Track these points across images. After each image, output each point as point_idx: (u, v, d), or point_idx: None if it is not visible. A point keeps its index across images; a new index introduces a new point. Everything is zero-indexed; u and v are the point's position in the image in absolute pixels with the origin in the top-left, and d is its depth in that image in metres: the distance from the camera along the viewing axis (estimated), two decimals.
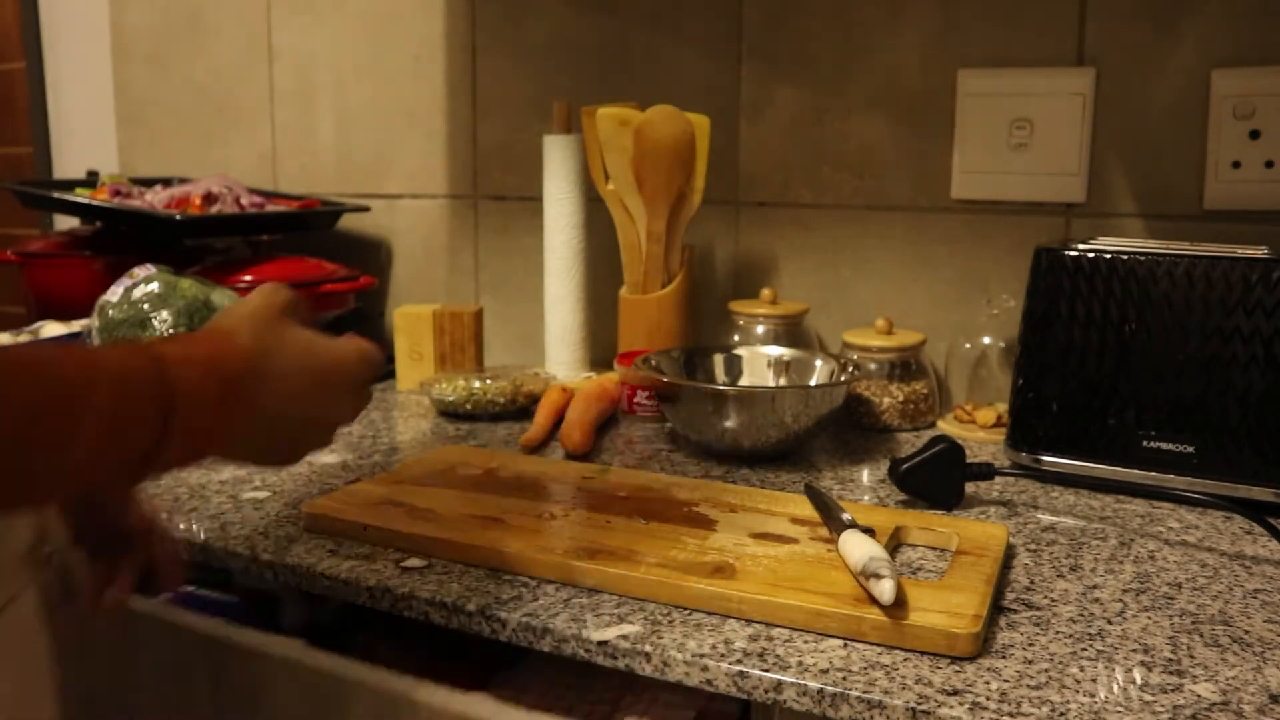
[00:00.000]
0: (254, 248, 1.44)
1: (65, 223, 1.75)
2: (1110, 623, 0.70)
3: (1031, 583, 0.76)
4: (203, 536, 0.82)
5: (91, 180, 1.55)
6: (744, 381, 1.16)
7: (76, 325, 1.23)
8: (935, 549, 0.82)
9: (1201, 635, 0.68)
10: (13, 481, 0.44)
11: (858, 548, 0.71)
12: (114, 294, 1.10)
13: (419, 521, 0.82)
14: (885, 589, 0.66)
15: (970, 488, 0.94)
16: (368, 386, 0.62)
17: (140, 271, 1.12)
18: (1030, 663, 0.64)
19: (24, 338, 1.22)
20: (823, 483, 0.98)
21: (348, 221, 1.56)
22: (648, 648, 0.66)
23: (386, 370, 1.06)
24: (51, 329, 1.24)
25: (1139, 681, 0.62)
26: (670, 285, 1.23)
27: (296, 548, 0.81)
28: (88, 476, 0.47)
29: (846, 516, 0.78)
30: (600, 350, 1.36)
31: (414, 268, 1.56)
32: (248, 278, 1.34)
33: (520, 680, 0.77)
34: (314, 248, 1.48)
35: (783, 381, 1.15)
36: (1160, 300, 0.93)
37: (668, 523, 0.83)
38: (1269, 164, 1.08)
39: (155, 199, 1.41)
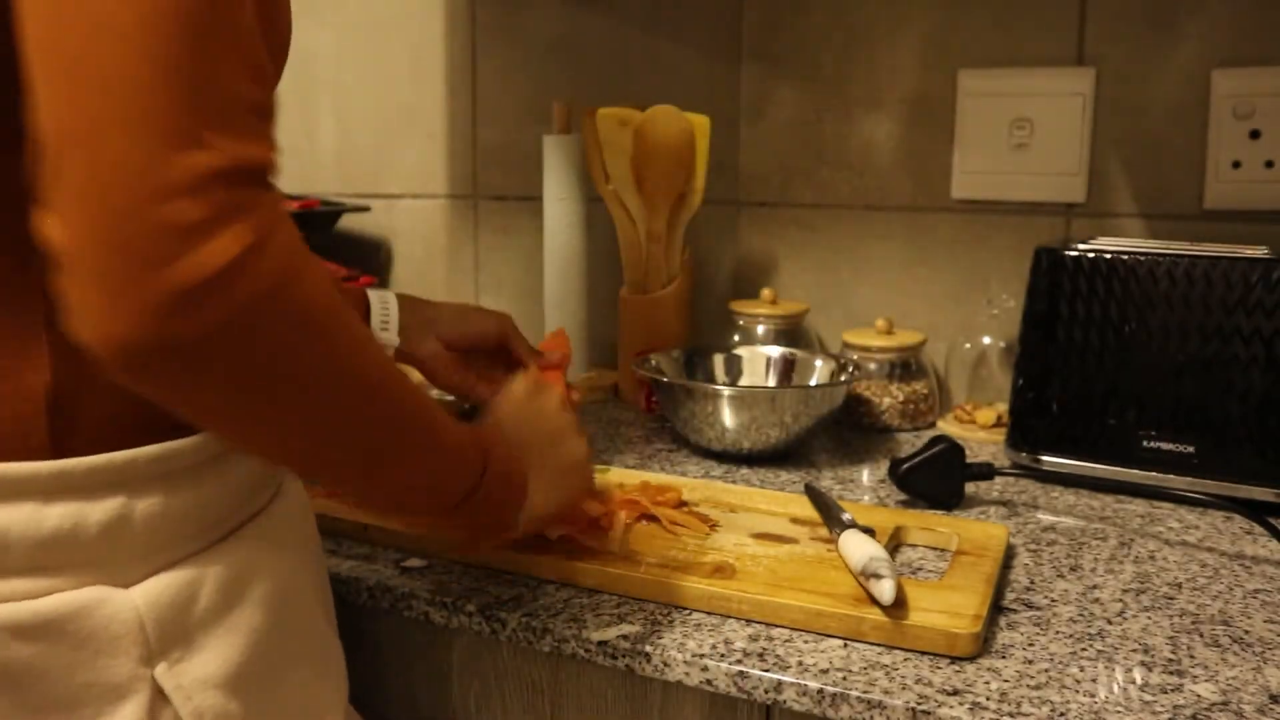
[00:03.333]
0: None
1: None
2: (1110, 623, 0.70)
3: (1031, 583, 0.76)
4: None
5: None
6: (744, 381, 1.16)
7: None
8: (935, 549, 0.82)
9: (1201, 635, 0.68)
10: (378, 467, 0.55)
11: (858, 548, 0.71)
12: None
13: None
14: (885, 589, 0.66)
15: (970, 488, 0.94)
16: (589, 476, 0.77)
17: None
18: (1030, 663, 0.64)
19: None
20: (823, 483, 0.98)
21: (348, 221, 1.56)
22: (648, 648, 0.66)
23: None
24: None
25: (1139, 681, 0.62)
26: (670, 285, 1.23)
27: None
28: (419, 495, 0.60)
29: (846, 516, 0.78)
30: (600, 350, 1.36)
31: (414, 268, 1.56)
32: None
33: None
34: (314, 248, 1.47)
35: (783, 381, 1.15)
36: (1160, 300, 0.93)
37: (668, 523, 0.82)
38: (1269, 164, 1.08)
39: None
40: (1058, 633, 0.68)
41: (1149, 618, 0.71)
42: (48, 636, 0.50)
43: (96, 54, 0.41)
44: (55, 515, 0.50)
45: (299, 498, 0.65)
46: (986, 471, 0.92)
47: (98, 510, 0.51)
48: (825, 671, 0.63)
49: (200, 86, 0.43)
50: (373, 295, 0.89)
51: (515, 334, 0.92)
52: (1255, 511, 0.84)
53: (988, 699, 0.60)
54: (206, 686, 0.53)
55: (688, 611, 0.71)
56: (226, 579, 0.55)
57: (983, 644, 0.66)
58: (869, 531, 0.75)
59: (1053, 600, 0.73)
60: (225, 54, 0.44)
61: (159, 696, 0.52)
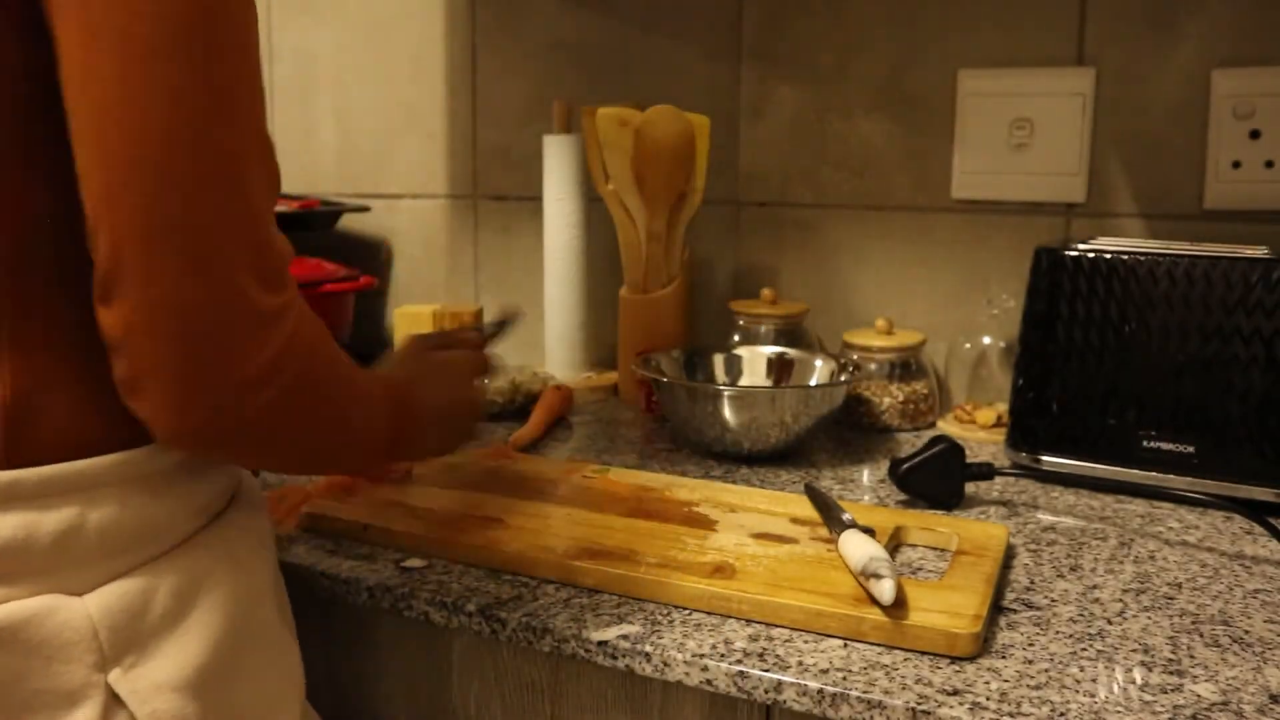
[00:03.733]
0: None
1: None
2: (1110, 623, 0.70)
3: (1031, 583, 0.76)
4: None
5: None
6: (744, 381, 1.16)
7: None
8: (935, 549, 0.82)
9: (1201, 635, 0.68)
10: (328, 453, 0.65)
11: (857, 548, 0.71)
12: None
13: (419, 521, 0.82)
14: (885, 589, 0.66)
15: (970, 488, 0.94)
16: (479, 381, 0.84)
17: None
18: (1030, 663, 0.64)
19: None
20: (823, 483, 0.98)
21: (348, 221, 1.56)
22: (648, 648, 0.66)
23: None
24: None
25: (1139, 681, 0.62)
26: (670, 285, 1.23)
27: (296, 547, 0.81)
28: (357, 457, 0.69)
29: (847, 517, 0.78)
30: (600, 350, 1.36)
31: (414, 268, 1.56)
32: None
33: None
34: (314, 248, 1.48)
35: (783, 381, 1.15)
36: (1160, 300, 0.93)
37: (668, 523, 0.83)
38: (1269, 164, 1.08)
39: None
40: (1058, 633, 0.68)
41: (1149, 618, 0.71)
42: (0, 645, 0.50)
43: (178, 179, 0.49)
44: (8, 525, 0.51)
45: (255, 502, 0.67)
46: (986, 471, 0.92)
47: (51, 520, 0.52)
48: (825, 671, 0.63)
49: (266, 243, 0.54)
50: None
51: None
52: (1255, 511, 0.84)
53: (988, 699, 0.60)
54: (162, 690, 0.54)
55: (688, 611, 0.71)
56: (181, 585, 0.56)
57: (983, 644, 0.66)
58: (868, 531, 0.75)
59: (1053, 600, 0.73)
60: (270, 215, 0.55)
61: (113, 702, 0.53)
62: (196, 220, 0.49)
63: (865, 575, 0.68)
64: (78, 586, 0.53)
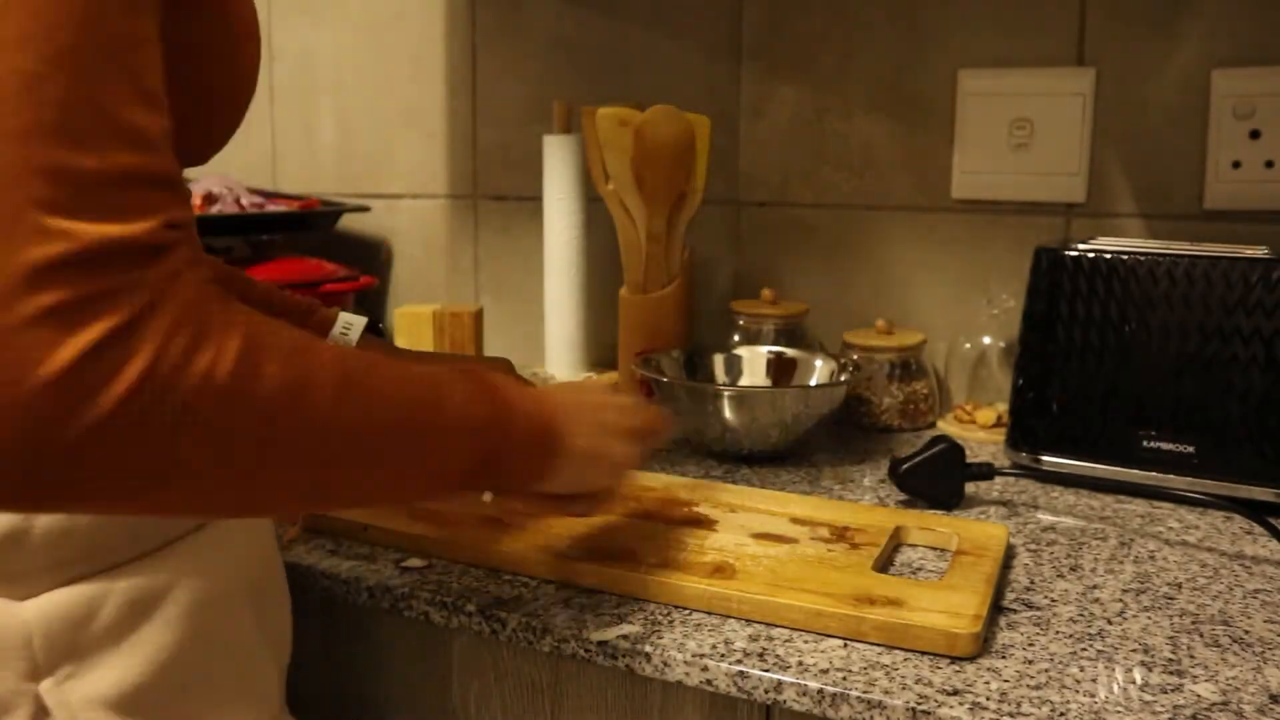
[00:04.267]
0: (254, 247, 1.44)
1: None
2: (1110, 623, 0.70)
3: (1031, 583, 0.76)
4: None
5: None
6: (744, 381, 1.16)
7: None
8: (935, 549, 0.82)
9: (1201, 635, 0.68)
10: (382, 475, 0.51)
11: None
12: None
13: (419, 521, 0.82)
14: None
15: (970, 488, 0.94)
16: (644, 440, 0.71)
17: None
18: (1030, 663, 0.64)
19: None
20: (822, 482, 0.98)
21: (348, 221, 1.56)
22: (648, 648, 0.66)
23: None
24: None
25: (1139, 681, 0.62)
26: (670, 285, 1.23)
27: (297, 548, 0.81)
28: (427, 489, 0.56)
29: None
30: (600, 350, 1.36)
31: (414, 268, 1.56)
32: None
33: None
34: (314, 248, 1.48)
35: (783, 382, 1.15)
36: (1160, 300, 0.93)
37: (668, 523, 0.83)
38: (1269, 164, 1.08)
39: None
40: (1058, 633, 0.68)
41: (1149, 618, 0.71)
42: None
43: None
44: None
45: (244, 521, 0.62)
46: (986, 471, 0.92)
47: None
48: (825, 671, 0.63)
49: (49, 166, 0.38)
50: (341, 316, 0.84)
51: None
52: (1255, 511, 0.84)
53: (988, 699, 0.60)
54: (95, 706, 0.52)
55: (688, 611, 0.71)
56: (134, 597, 0.53)
57: (983, 644, 0.66)
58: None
59: (1053, 600, 0.73)
60: (90, 126, 0.40)
61: (42, 713, 0.51)
62: None
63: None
64: (21, 592, 0.51)
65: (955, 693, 0.61)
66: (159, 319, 0.39)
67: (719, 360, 1.17)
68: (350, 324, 0.84)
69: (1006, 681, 0.62)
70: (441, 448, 0.54)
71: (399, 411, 0.51)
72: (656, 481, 0.93)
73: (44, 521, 0.51)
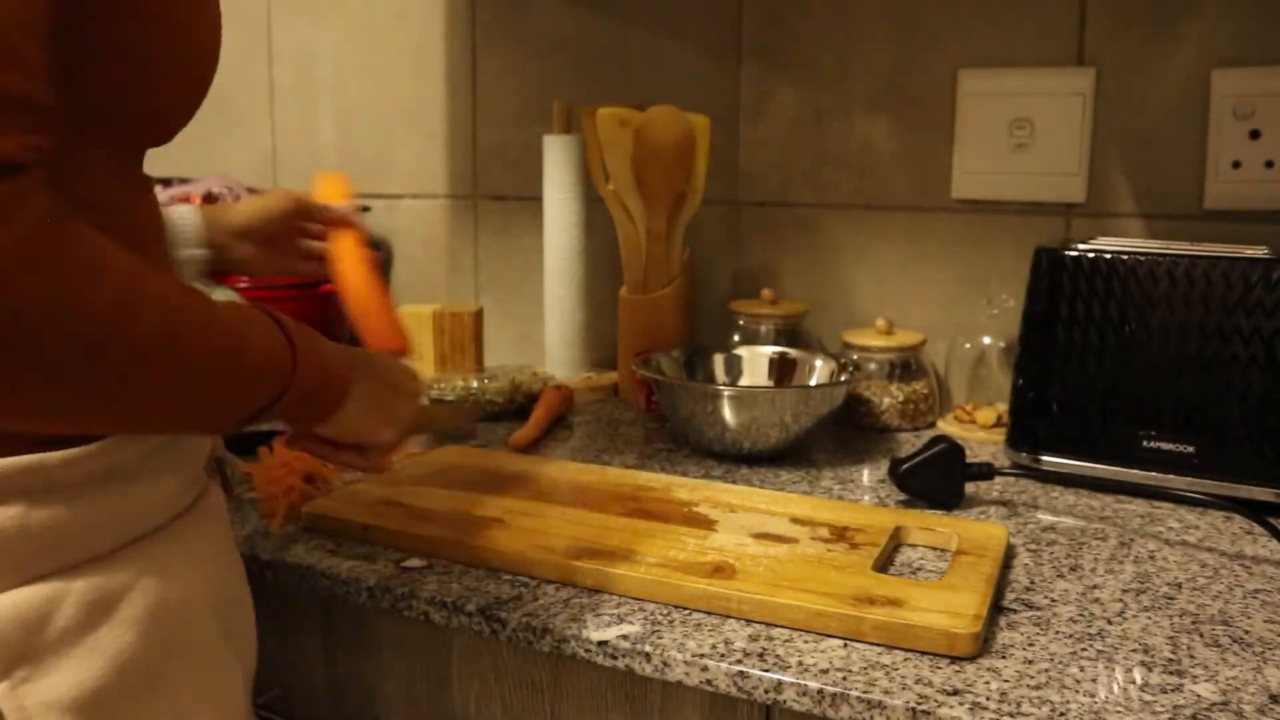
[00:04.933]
0: None
1: None
2: (1110, 623, 0.70)
3: (1031, 583, 0.76)
4: None
5: None
6: (744, 381, 1.16)
7: None
8: (935, 549, 0.82)
9: (1201, 635, 0.68)
10: (198, 406, 0.55)
11: None
12: None
13: (419, 521, 0.82)
14: None
15: (970, 488, 0.94)
16: (416, 400, 0.76)
17: None
18: (1030, 663, 0.64)
19: None
20: (822, 483, 0.98)
21: None
22: (648, 648, 0.66)
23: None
24: None
25: (1139, 681, 0.62)
26: (670, 285, 1.23)
27: (296, 548, 0.81)
28: (222, 419, 0.57)
29: None
30: (600, 350, 1.36)
31: (414, 268, 1.56)
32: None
33: None
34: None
35: (783, 382, 1.15)
36: (1160, 300, 0.93)
37: (668, 523, 0.83)
38: (1269, 164, 1.08)
39: None
40: (1058, 633, 0.68)
41: (1149, 618, 0.71)
42: None
43: None
44: None
45: (214, 520, 0.63)
46: (986, 471, 0.92)
47: None
48: (825, 671, 0.63)
49: None
50: (171, 214, 0.88)
51: (305, 202, 0.95)
52: (1254, 511, 0.84)
53: (988, 699, 0.60)
54: (52, 709, 0.51)
55: (688, 611, 0.71)
56: (93, 598, 0.52)
57: (983, 644, 0.66)
58: None
59: (1053, 600, 0.73)
60: None
61: None
62: None
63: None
64: None
65: (955, 693, 0.61)
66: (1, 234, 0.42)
67: (719, 360, 1.17)
68: (184, 216, 0.89)
69: (1006, 681, 0.62)
70: (238, 383, 0.57)
71: (206, 346, 0.53)
72: (656, 481, 0.93)
73: None
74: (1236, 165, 1.09)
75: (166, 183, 1.51)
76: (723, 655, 0.65)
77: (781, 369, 1.16)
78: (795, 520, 0.83)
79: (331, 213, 0.95)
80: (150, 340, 0.50)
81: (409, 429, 0.76)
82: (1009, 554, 0.81)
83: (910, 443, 1.09)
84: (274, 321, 0.60)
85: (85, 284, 0.46)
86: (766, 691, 0.63)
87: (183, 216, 0.89)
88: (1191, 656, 0.65)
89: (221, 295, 1.12)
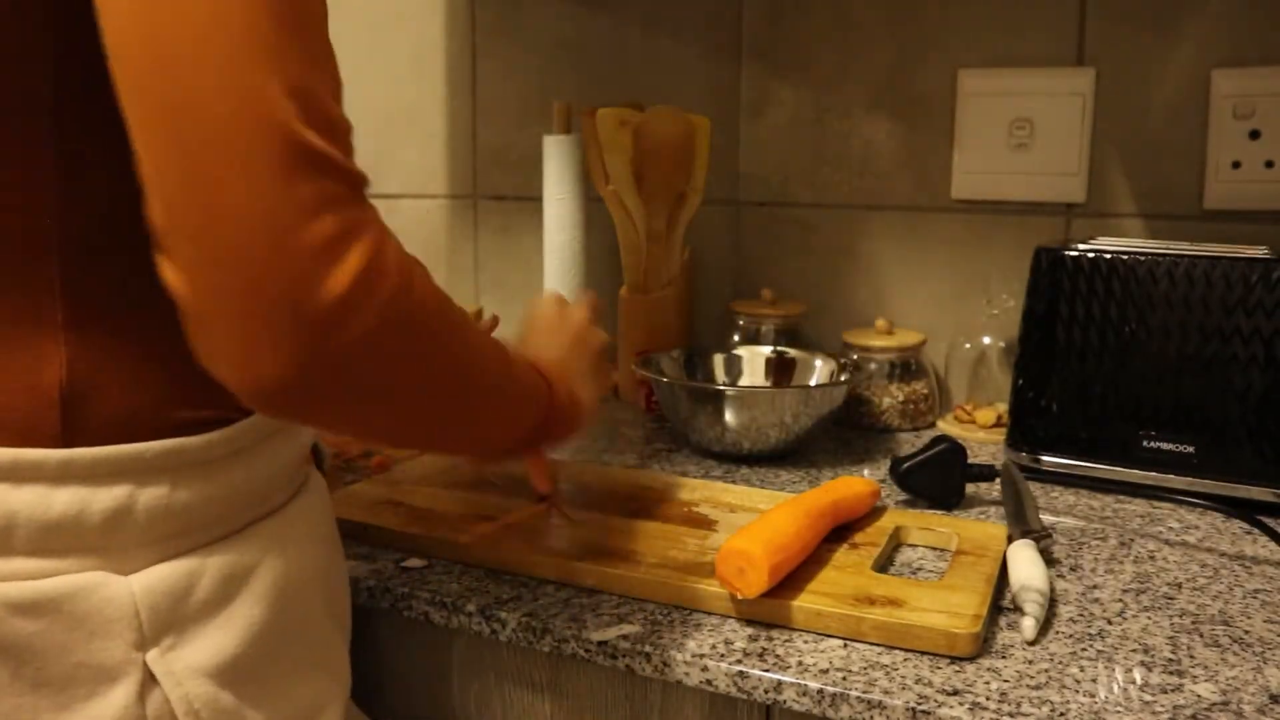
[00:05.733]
0: None
1: None
2: (1110, 623, 0.70)
3: None
4: None
5: None
6: (744, 381, 1.16)
7: None
8: (935, 549, 0.82)
9: (1201, 635, 0.68)
10: (473, 427, 0.61)
11: (1018, 569, 0.72)
12: None
13: (419, 521, 0.82)
14: (1026, 627, 0.67)
15: (970, 488, 0.94)
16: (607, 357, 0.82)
17: None
18: (1030, 663, 0.64)
19: None
20: (822, 483, 0.97)
21: None
22: (648, 648, 0.66)
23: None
24: None
25: (1139, 681, 0.62)
26: (670, 285, 1.23)
27: None
28: (500, 441, 0.64)
29: (1032, 524, 0.80)
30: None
31: None
32: None
33: None
34: None
35: (783, 382, 1.15)
36: (1160, 300, 0.93)
37: (668, 523, 0.83)
38: (1269, 164, 1.08)
39: None
40: (1058, 633, 0.68)
41: (1149, 618, 0.71)
42: (45, 615, 0.51)
43: (197, 100, 0.43)
44: (62, 500, 0.52)
45: (321, 501, 0.67)
46: (987, 472, 0.92)
47: (102, 498, 0.53)
48: (825, 671, 0.63)
49: (304, 113, 0.44)
50: None
51: None
52: (1249, 512, 0.84)
53: (988, 699, 0.60)
54: (197, 675, 0.54)
55: (688, 611, 0.71)
56: (227, 573, 0.57)
57: (983, 644, 0.66)
58: (1044, 536, 0.77)
59: (1053, 600, 0.73)
60: (319, 75, 0.47)
61: (150, 681, 0.53)
62: (209, 133, 0.43)
63: (1011, 604, 0.70)
64: (125, 566, 0.54)
65: (955, 693, 0.61)
66: (389, 247, 0.47)
67: (719, 360, 1.17)
68: None
69: (1006, 681, 0.62)
70: (519, 404, 0.64)
71: (494, 366, 0.60)
72: (656, 481, 0.93)
73: (146, 499, 0.54)
74: (1236, 165, 1.09)
75: None
76: (723, 655, 0.65)
77: (781, 369, 1.16)
78: None
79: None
80: (477, 357, 0.57)
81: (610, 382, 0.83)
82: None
83: (910, 443, 1.09)
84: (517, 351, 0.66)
85: (443, 295, 0.53)
86: (766, 691, 0.63)
87: None
88: (1191, 656, 0.65)
89: None
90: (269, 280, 0.43)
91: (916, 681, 0.62)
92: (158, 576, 0.54)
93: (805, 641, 0.67)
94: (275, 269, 0.43)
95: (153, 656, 0.53)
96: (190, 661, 0.54)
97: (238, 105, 0.43)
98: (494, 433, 0.63)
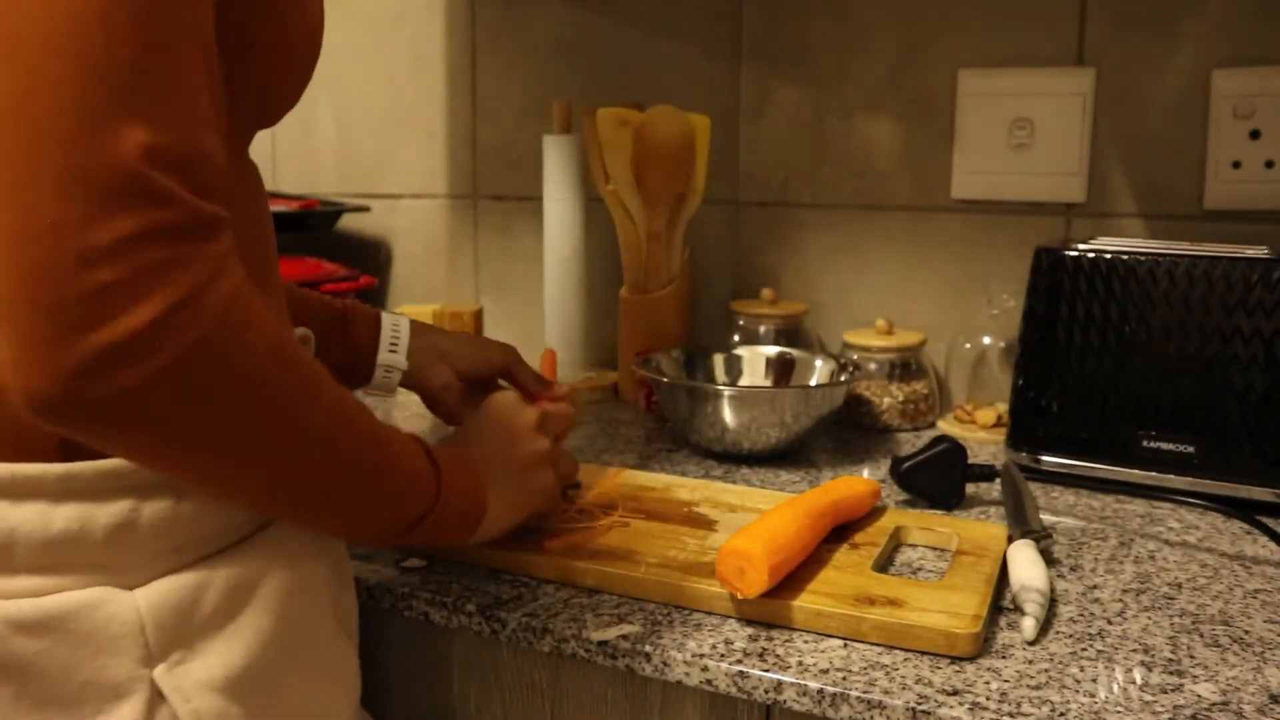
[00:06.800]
0: None
1: None
2: (1110, 623, 0.70)
3: None
4: None
5: None
6: (744, 381, 1.16)
7: None
8: (935, 549, 0.82)
9: (1201, 635, 0.68)
10: (323, 503, 0.57)
11: (1019, 569, 0.72)
12: None
13: None
14: (1026, 627, 0.67)
15: (970, 488, 0.94)
16: (549, 469, 0.77)
17: None
18: (1030, 663, 0.64)
19: None
20: (822, 483, 0.97)
21: (348, 221, 1.56)
22: (648, 648, 0.66)
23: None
24: None
25: (1139, 681, 0.62)
26: (670, 285, 1.23)
27: None
28: (369, 526, 0.62)
29: (1032, 524, 0.80)
30: (600, 350, 1.36)
31: (414, 268, 1.56)
32: None
33: None
34: (314, 248, 1.48)
35: (783, 382, 1.15)
36: (1160, 300, 0.93)
37: (668, 523, 0.83)
38: (1269, 164, 1.08)
39: None
40: (1058, 633, 0.68)
41: (1149, 618, 0.71)
42: (49, 633, 0.51)
43: (28, 101, 0.42)
44: (63, 516, 0.51)
45: None
46: (987, 472, 0.92)
47: (105, 513, 0.52)
48: (825, 671, 0.63)
49: (132, 141, 0.43)
50: (385, 318, 0.89)
51: (520, 364, 0.92)
52: (1247, 512, 0.84)
53: (988, 699, 0.60)
54: (206, 689, 0.54)
55: (688, 611, 0.71)
56: (233, 584, 0.56)
57: (983, 644, 0.66)
58: (1044, 537, 0.76)
59: (1053, 600, 0.73)
60: (166, 107, 0.45)
61: (157, 698, 0.53)
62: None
63: (1011, 604, 0.70)
64: (129, 581, 0.53)
65: (955, 693, 0.61)
66: (220, 289, 0.46)
67: (719, 360, 1.17)
68: (397, 326, 0.89)
69: (1006, 681, 0.62)
70: (391, 493, 0.61)
71: (370, 440, 0.58)
72: (656, 481, 0.93)
73: (150, 512, 0.53)
74: (1236, 165, 1.09)
75: None
76: (723, 655, 0.65)
77: (781, 369, 1.16)
78: None
79: (548, 389, 0.90)
80: (325, 426, 0.54)
81: (551, 492, 0.77)
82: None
83: (910, 443, 1.09)
84: (419, 443, 0.64)
85: (285, 343, 0.51)
86: (766, 691, 0.63)
87: (396, 324, 0.89)
88: (1191, 656, 0.65)
89: None
90: (53, 304, 0.42)
91: (916, 681, 0.62)
92: (163, 591, 0.53)
93: (805, 641, 0.67)
94: (60, 296, 0.42)
95: (160, 672, 0.53)
96: (199, 676, 0.54)
97: (73, 121, 0.43)
98: (354, 511, 0.59)
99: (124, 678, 0.52)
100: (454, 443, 0.74)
